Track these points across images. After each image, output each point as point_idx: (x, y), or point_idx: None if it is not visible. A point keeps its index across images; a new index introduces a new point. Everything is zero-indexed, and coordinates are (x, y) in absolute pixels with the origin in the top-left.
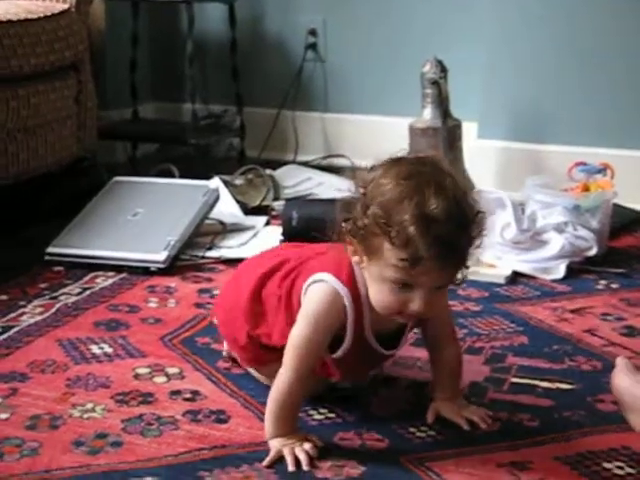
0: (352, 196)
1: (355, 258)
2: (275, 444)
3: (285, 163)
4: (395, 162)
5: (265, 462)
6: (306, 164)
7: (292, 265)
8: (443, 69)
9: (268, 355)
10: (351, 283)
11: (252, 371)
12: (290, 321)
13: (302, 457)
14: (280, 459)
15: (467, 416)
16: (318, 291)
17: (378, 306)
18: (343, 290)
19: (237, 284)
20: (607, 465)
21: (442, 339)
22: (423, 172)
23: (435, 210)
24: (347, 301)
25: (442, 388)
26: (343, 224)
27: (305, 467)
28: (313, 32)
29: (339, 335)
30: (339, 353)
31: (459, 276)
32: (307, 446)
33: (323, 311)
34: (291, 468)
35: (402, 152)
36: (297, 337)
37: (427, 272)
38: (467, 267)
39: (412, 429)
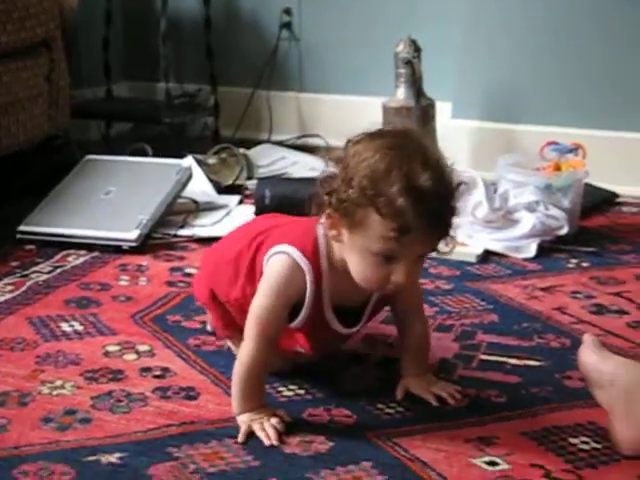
0: (331, 171)
1: (332, 232)
2: (244, 419)
3: (259, 142)
4: (376, 134)
5: (240, 439)
6: (281, 143)
7: (260, 230)
8: (417, 49)
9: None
10: (314, 257)
11: (230, 345)
12: (249, 285)
13: (271, 432)
14: (250, 434)
15: (436, 392)
16: (279, 263)
17: (360, 279)
18: (304, 263)
19: (229, 243)
20: (573, 440)
21: (410, 314)
22: (408, 143)
23: (425, 182)
24: (308, 275)
25: (410, 364)
26: (325, 197)
27: (274, 442)
28: (288, 11)
29: (299, 305)
30: (296, 323)
31: (444, 247)
32: (274, 421)
33: (283, 283)
34: (267, 442)
35: (377, 127)
36: (257, 307)
37: (413, 242)
38: (451, 237)
39: (381, 405)
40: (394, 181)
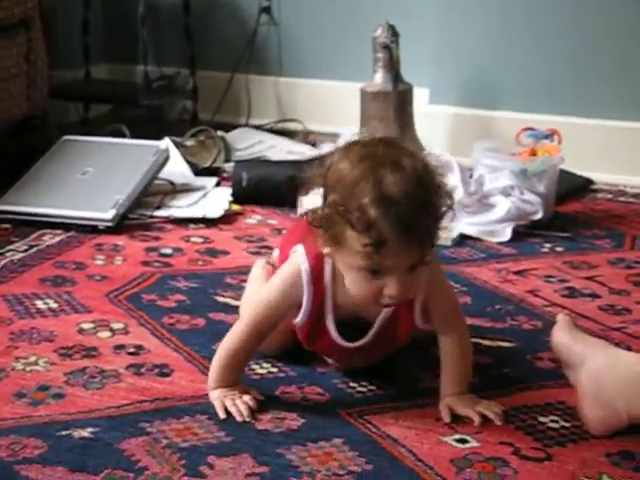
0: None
1: (326, 250)
2: (216, 395)
3: (238, 126)
4: (350, 146)
5: (220, 415)
6: (259, 128)
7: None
8: (395, 33)
9: None
10: (319, 263)
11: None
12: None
13: (242, 408)
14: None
15: (481, 411)
16: (293, 262)
17: (354, 295)
18: (306, 266)
19: None
20: (542, 419)
21: (442, 329)
22: (378, 153)
23: (393, 189)
24: (305, 275)
25: (448, 382)
26: (306, 216)
27: (246, 418)
28: None
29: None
30: (297, 321)
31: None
32: (247, 398)
33: (288, 283)
34: (239, 418)
35: (358, 135)
36: (260, 298)
37: (393, 255)
38: (434, 245)
39: (353, 384)
40: (363, 194)
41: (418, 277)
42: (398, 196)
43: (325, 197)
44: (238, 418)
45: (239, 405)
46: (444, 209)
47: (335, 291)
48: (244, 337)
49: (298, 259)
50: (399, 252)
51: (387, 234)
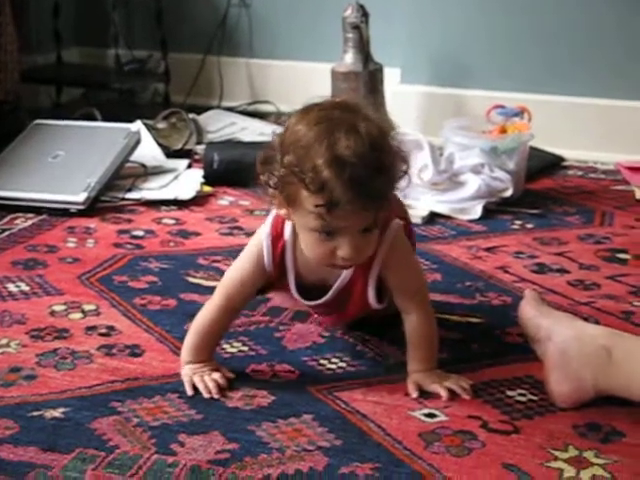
0: (271, 151)
1: (282, 211)
2: (187, 371)
3: (210, 109)
4: (308, 109)
5: (188, 392)
6: (232, 110)
7: None
8: (364, 13)
9: None
10: (278, 225)
11: None
12: None
13: (211, 386)
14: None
15: (449, 386)
16: (258, 231)
17: (309, 255)
18: (267, 230)
19: None
20: (510, 393)
21: (406, 304)
22: (334, 116)
23: (347, 151)
24: (265, 240)
25: (414, 359)
26: (261, 177)
27: (214, 395)
28: None
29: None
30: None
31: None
32: (216, 375)
33: (253, 251)
34: (206, 395)
35: (318, 98)
36: (230, 271)
37: (346, 216)
38: (386, 208)
39: (323, 361)
40: (317, 155)
41: (371, 239)
42: (351, 158)
43: (281, 158)
44: (205, 394)
45: (207, 382)
46: (398, 173)
47: (295, 250)
48: (217, 312)
49: (263, 227)
50: (351, 213)
51: (339, 195)
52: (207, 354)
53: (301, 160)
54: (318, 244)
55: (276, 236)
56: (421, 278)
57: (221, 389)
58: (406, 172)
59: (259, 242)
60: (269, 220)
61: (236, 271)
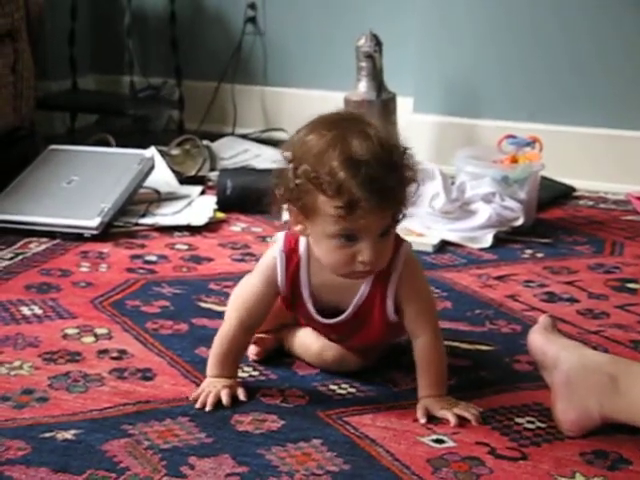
0: (282, 165)
1: (298, 227)
2: (203, 383)
3: (224, 136)
4: (314, 121)
5: (194, 401)
6: (245, 137)
7: None
8: (378, 42)
9: None
10: (294, 243)
11: None
12: None
13: (209, 401)
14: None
15: (458, 413)
16: (271, 247)
17: (329, 266)
18: (280, 247)
19: None
20: (519, 420)
21: (415, 328)
22: (344, 123)
23: (360, 152)
24: (279, 257)
25: (423, 384)
26: (276, 192)
27: (207, 408)
28: (252, 5)
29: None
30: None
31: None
32: (224, 392)
33: (266, 265)
34: (198, 405)
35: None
36: (244, 285)
37: (365, 215)
38: (405, 210)
39: (333, 387)
40: (331, 159)
41: (388, 244)
42: (366, 157)
43: (295, 170)
44: (197, 405)
45: (209, 396)
46: (410, 173)
47: (310, 267)
48: (234, 329)
49: (274, 245)
50: (370, 212)
51: (357, 194)
52: (225, 370)
53: (316, 166)
54: (338, 251)
55: (290, 251)
56: (431, 297)
57: (215, 404)
58: (414, 178)
59: (272, 259)
60: (280, 239)
61: (248, 284)
